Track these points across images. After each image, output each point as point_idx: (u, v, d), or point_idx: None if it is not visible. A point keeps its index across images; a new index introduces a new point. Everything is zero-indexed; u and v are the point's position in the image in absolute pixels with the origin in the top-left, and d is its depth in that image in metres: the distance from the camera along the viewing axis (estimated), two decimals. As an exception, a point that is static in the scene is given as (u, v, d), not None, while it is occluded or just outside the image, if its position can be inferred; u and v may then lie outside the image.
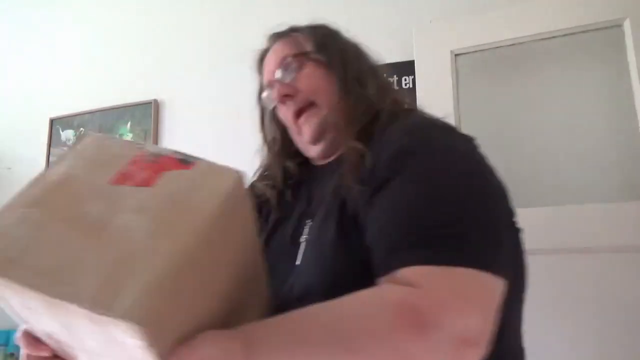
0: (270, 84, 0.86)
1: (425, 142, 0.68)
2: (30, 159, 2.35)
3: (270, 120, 0.92)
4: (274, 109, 0.89)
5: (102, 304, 0.37)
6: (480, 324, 0.52)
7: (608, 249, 1.36)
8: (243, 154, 2.08)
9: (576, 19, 1.49)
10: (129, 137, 2.16)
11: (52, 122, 2.33)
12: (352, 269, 0.64)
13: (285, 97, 0.82)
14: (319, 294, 0.55)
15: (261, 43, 2.22)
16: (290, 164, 0.89)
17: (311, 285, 0.67)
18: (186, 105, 2.11)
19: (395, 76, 1.66)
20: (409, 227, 0.60)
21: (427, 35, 1.65)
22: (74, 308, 0.37)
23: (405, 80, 1.69)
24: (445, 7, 1.72)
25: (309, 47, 0.84)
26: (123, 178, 0.47)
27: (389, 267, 0.57)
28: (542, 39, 1.55)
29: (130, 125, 2.17)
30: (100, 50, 2.35)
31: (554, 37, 1.54)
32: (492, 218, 0.62)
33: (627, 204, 1.37)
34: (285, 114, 0.85)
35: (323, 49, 0.83)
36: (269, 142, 0.93)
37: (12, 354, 2.00)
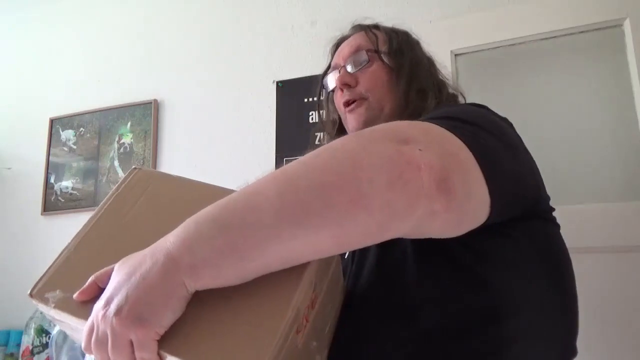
0: (337, 68, 0.90)
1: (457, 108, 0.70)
2: (30, 159, 2.35)
3: (330, 102, 0.96)
4: (333, 92, 0.93)
5: None
6: (422, 136, 0.48)
7: (608, 249, 1.36)
8: (243, 153, 2.10)
9: (576, 19, 1.49)
10: (128, 137, 2.16)
11: (52, 122, 2.33)
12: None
13: (344, 85, 0.86)
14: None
15: (260, 43, 2.22)
16: None
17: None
18: (186, 105, 2.11)
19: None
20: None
21: (427, 35, 1.64)
22: None
23: (405, 80, 1.69)
24: (445, 7, 1.72)
25: (385, 48, 0.87)
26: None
27: None
28: (542, 39, 1.55)
29: (130, 125, 2.17)
30: (100, 50, 2.35)
31: (554, 37, 1.54)
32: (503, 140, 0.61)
33: (627, 204, 1.37)
34: (339, 100, 0.89)
35: (397, 54, 0.86)
36: (327, 124, 0.98)
37: (11, 354, 2.00)
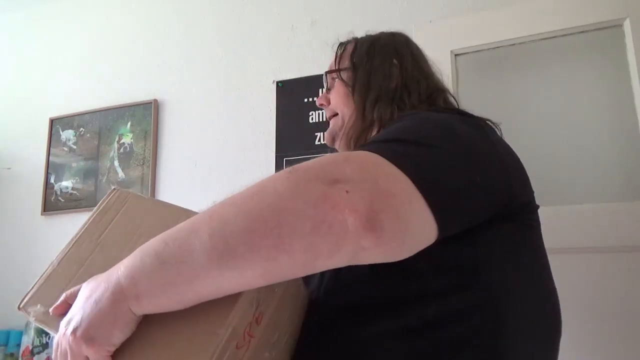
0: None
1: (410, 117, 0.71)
2: (30, 159, 2.35)
3: None
4: None
5: None
6: (354, 174, 0.48)
7: (608, 249, 1.36)
8: (243, 153, 2.09)
9: (576, 19, 1.49)
10: (128, 137, 2.16)
11: (52, 122, 2.33)
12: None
13: (320, 106, 1.00)
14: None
15: (260, 43, 2.22)
16: None
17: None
18: (186, 105, 2.11)
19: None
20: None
21: (427, 35, 1.65)
22: None
23: (405, 80, 1.69)
24: (445, 7, 1.72)
25: (346, 63, 0.93)
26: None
27: None
28: (542, 39, 1.55)
29: (130, 125, 2.17)
30: (100, 50, 2.35)
31: (554, 37, 1.54)
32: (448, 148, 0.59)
33: (627, 204, 1.37)
34: None
35: (355, 69, 0.91)
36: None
37: (12, 354, 2.00)
